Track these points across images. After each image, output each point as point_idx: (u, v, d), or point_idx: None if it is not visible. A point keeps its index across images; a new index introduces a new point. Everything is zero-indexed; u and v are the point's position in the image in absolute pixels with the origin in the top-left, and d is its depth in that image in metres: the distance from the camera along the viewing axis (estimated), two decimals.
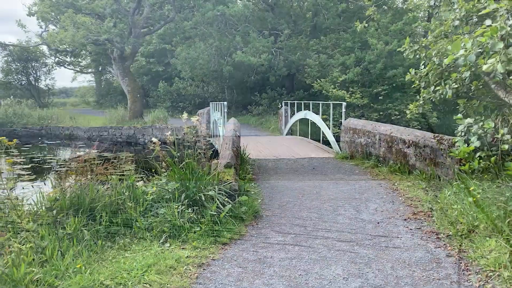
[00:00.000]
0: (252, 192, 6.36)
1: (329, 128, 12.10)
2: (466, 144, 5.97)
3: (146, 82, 37.36)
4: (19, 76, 47.33)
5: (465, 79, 5.90)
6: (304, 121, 16.14)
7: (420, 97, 7.36)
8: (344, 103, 11.27)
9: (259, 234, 5.08)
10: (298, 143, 13.75)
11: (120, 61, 24.73)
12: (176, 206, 4.99)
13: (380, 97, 20.35)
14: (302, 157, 10.83)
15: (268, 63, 21.98)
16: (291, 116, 16.77)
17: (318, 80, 21.14)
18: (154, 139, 6.26)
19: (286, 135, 17.12)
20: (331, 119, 12.21)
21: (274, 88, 25.69)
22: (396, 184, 7.64)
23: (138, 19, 24.37)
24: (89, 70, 51.70)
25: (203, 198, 5.12)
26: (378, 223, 5.49)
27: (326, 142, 12.87)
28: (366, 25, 9.28)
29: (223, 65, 23.40)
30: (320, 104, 13.02)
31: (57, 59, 47.73)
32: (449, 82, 6.04)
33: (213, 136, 16.43)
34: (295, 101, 16.64)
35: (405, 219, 5.61)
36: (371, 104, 20.88)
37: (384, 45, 20.67)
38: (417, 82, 7.40)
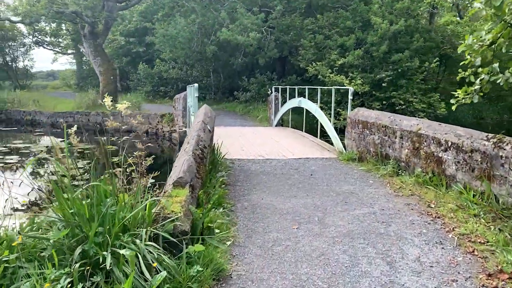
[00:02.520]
0: (217, 230, 3.88)
1: (330, 120, 9.66)
2: None
3: (126, 64, 34.53)
4: None
5: None
6: (297, 110, 13.70)
7: (476, 79, 4.92)
8: (351, 89, 8.82)
9: None
10: (290, 137, 11.31)
11: (91, 38, 21.94)
12: (56, 277, 2.52)
13: (383, 84, 17.94)
14: (296, 157, 8.40)
15: (257, 43, 19.37)
16: (282, 104, 14.31)
17: (314, 64, 18.65)
18: None
19: (276, 126, 14.67)
20: (332, 108, 9.77)
21: (264, 72, 23.11)
22: (432, 206, 5.25)
23: None
24: (69, 51, 48.70)
25: (110, 260, 2.65)
26: None
27: (324, 136, 10.49)
28: None
29: (207, 45, 20.74)
30: (319, 90, 10.56)
31: (35, 38, 45.01)
32: None
33: (189, 127, 13.92)
34: (287, 86, 14.18)
35: None
36: (373, 92, 18.51)
37: (389, 24, 18.19)
38: (470, 57, 4.94)
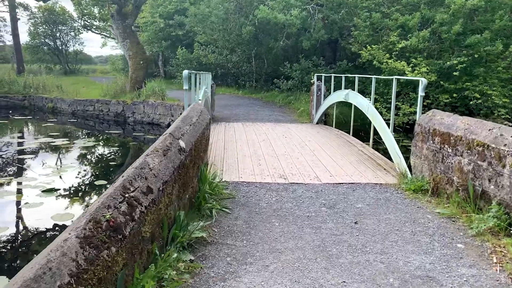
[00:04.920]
0: None
1: (389, 125, 6.77)
2: None
3: (166, 48, 32.67)
4: (47, 41, 44.52)
5: None
6: (345, 104, 10.85)
7: None
8: (423, 80, 5.85)
9: None
10: (331, 143, 8.50)
11: (119, 18, 19.95)
12: None
13: (454, 73, 14.53)
14: (335, 182, 5.66)
15: (301, 22, 16.48)
16: (326, 96, 11.49)
17: (368, 47, 15.54)
18: None
19: (317, 123, 11.88)
20: (393, 107, 6.85)
21: (310, 57, 20.14)
22: None
23: None
24: None
25: None
26: None
27: (376, 134, 7.66)
28: None
29: (244, 25, 18.09)
30: (373, 80, 7.67)
31: (84, 22, 44.91)
32: None
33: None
34: (332, 75, 11.31)
35: None
36: (440, 82, 15.12)
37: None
38: None
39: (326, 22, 17.97)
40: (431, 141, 5.32)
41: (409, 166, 5.98)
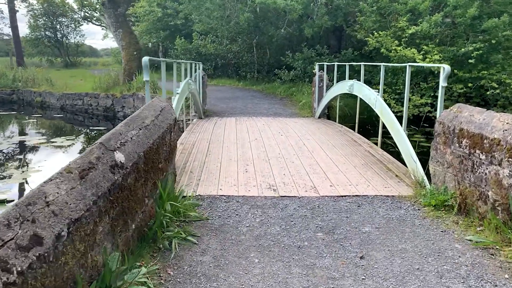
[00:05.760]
0: None
1: (402, 122, 5.67)
2: None
3: (164, 39, 31.58)
4: (47, 33, 43.67)
5: None
6: (350, 95, 9.75)
7: None
8: (445, 68, 4.72)
9: None
10: (334, 143, 7.40)
11: (110, 6, 18.86)
12: None
13: (470, 60, 13.32)
14: (337, 195, 4.59)
15: (302, 8, 15.30)
16: (328, 88, 10.37)
17: (375, 34, 14.37)
18: None
19: (319, 117, 10.77)
20: (406, 100, 5.72)
21: (314, 46, 18.93)
22: None
23: None
24: None
25: None
26: None
27: (384, 138, 6.58)
28: None
29: (242, 12, 16.93)
30: (382, 68, 6.54)
31: (84, 14, 44.20)
32: None
33: (200, 116, 10.46)
34: (335, 63, 10.20)
35: None
36: (454, 71, 13.93)
37: None
38: None
39: (330, 8, 16.78)
40: (457, 144, 4.22)
41: (427, 173, 4.91)
